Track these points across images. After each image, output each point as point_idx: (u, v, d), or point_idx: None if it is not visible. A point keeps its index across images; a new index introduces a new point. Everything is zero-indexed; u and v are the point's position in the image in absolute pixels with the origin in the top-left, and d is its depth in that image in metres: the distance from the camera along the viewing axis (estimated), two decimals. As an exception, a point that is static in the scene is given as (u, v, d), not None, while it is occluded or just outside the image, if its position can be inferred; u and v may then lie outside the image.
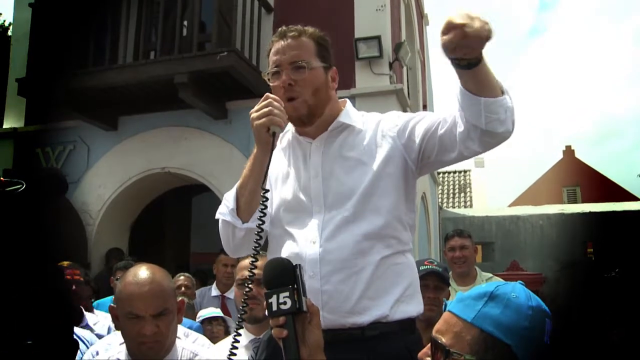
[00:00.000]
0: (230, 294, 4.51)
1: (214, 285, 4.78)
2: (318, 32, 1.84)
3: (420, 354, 1.25)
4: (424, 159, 1.77)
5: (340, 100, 1.91)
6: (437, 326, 1.23)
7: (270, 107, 1.67)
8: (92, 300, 4.08)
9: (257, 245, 1.57)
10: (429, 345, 1.24)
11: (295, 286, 1.33)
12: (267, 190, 1.63)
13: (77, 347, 1.57)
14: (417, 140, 1.75)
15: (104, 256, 6.76)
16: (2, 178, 1.56)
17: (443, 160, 1.76)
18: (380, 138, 1.80)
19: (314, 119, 1.79)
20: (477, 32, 1.38)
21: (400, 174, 1.78)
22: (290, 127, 1.90)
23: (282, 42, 1.78)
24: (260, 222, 1.59)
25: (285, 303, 1.31)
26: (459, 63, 1.49)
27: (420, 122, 1.75)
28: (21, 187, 1.58)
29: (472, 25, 1.38)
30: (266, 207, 1.61)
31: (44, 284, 1.45)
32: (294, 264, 1.36)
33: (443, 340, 1.19)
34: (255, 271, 2.37)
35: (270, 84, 1.79)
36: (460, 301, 1.22)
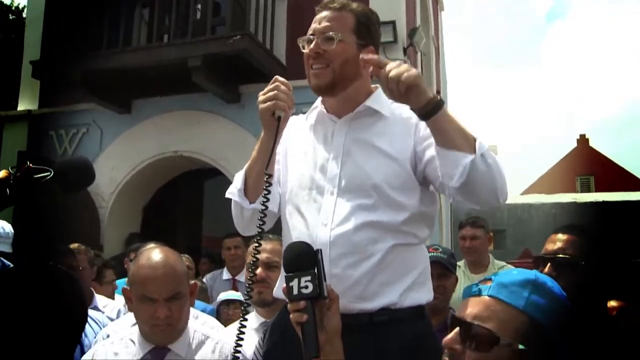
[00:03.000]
0: (241, 277, 4.53)
1: (225, 269, 4.81)
2: (363, 10, 1.82)
3: (446, 340, 1.19)
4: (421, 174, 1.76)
5: (372, 85, 1.88)
6: (474, 311, 1.16)
7: (275, 91, 1.67)
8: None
9: (260, 229, 1.58)
10: (456, 331, 1.18)
11: (317, 271, 1.32)
12: (271, 175, 1.65)
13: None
14: (425, 158, 1.72)
15: (117, 239, 6.81)
16: (30, 164, 1.55)
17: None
18: (408, 135, 1.76)
19: (335, 90, 1.77)
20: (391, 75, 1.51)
21: (414, 172, 1.75)
22: (318, 103, 1.89)
23: (323, 13, 1.78)
24: (264, 207, 1.61)
25: (306, 287, 1.30)
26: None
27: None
28: (49, 175, 1.58)
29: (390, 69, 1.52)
30: (269, 191, 1.63)
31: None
32: (315, 249, 1.35)
33: (487, 326, 1.13)
34: (265, 255, 2.39)
35: (303, 51, 1.79)
36: (504, 287, 1.17)
